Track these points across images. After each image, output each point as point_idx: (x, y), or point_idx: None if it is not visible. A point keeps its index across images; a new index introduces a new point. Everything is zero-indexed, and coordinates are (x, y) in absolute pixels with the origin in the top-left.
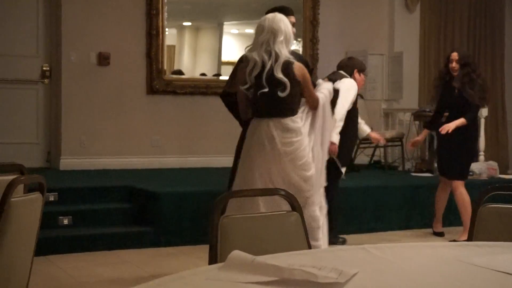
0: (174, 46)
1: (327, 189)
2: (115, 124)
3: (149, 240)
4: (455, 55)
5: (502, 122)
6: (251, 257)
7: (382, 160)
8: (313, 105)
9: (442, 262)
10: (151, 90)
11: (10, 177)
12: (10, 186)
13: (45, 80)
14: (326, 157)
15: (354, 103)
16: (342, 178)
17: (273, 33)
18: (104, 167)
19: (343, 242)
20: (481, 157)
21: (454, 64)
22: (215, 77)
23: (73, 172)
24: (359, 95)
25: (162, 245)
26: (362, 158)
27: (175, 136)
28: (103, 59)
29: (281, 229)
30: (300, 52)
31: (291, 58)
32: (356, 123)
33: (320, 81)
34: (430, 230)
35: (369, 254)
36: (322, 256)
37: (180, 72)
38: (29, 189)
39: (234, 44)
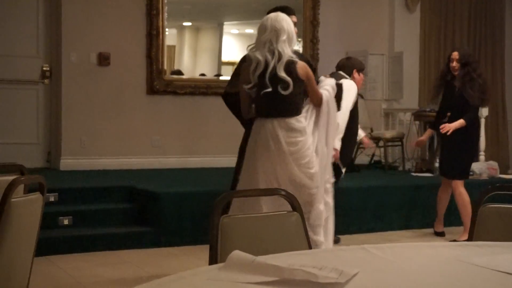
0: (174, 46)
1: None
2: (115, 125)
3: (149, 240)
4: (455, 55)
5: (502, 122)
6: (252, 257)
7: (383, 160)
8: (318, 103)
9: (443, 262)
10: (152, 90)
11: (11, 178)
12: (11, 186)
13: (45, 80)
14: (331, 154)
15: (355, 103)
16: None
17: (276, 32)
18: (104, 167)
19: (337, 241)
20: (482, 157)
21: (454, 64)
22: (216, 77)
23: (73, 173)
24: (359, 95)
25: (162, 245)
26: (362, 158)
27: (175, 136)
28: (103, 59)
29: (281, 229)
30: (301, 52)
31: (294, 57)
32: (357, 123)
33: (322, 77)
34: (430, 230)
35: (370, 254)
36: (323, 256)
37: (179, 72)
38: (29, 190)
39: (234, 44)
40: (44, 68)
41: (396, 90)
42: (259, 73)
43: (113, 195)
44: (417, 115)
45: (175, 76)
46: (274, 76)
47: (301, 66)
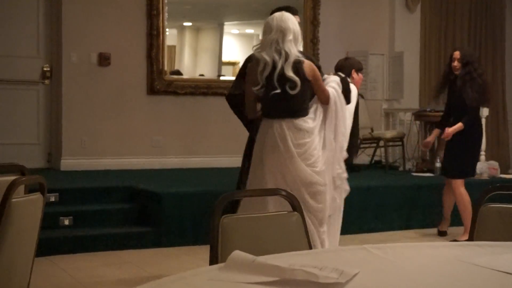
0: (174, 47)
1: None
2: (115, 125)
3: (150, 240)
4: (457, 54)
5: (503, 121)
6: (252, 258)
7: (383, 160)
8: (325, 101)
9: (443, 262)
10: (152, 90)
11: (11, 178)
12: (11, 186)
13: (46, 81)
14: (342, 149)
15: (356, 104)
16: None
17: (282, 32)
18: (105, 167)
19: None
20: (482, 157)
21: (456, 63)
22: (216, 78)
23: (74, 173)
24: (359, 95)
25: (163, 246)
26: (363, 158)
27: (176, 136)
28: (104, 60)
29: (282, 229)
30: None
31: (301, 57)
32: (357, 123)
33: (325, 76)
34: (431, 230)
35: (370, 254)
36: (323, 256)
37: (178, 73)
38: (30, 190)
39: (234, 44)
40: (45, 69)
41: (396, 90)
42: (267, 74)
43: (114, 195)
44: (418, 115)
45: (175, 76)
46: (282, 77)
47: (308, 65)
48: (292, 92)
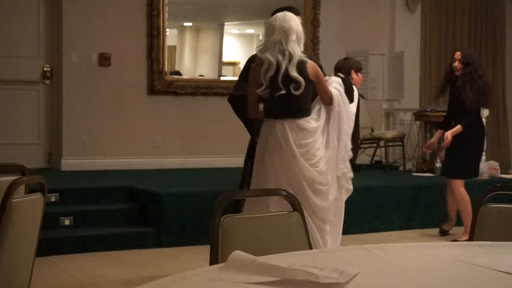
0: (175, 47)
1: None
2: (116, 125)
3: (150, 240)
4: (458, 55)
5: (503, 121)
6: (252, 258)
7: (383, 160)
8: (328, 102)
9: (443, 262)
10: (152, 90)
11: (11, 178)
12: (12, 187)
13: (46, 81)
14: (346, 148)
15: (357, 104)
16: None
17: (285, 32)
18: (105, 167)
19: None
20: (483, 157)
21: (456, 63)
22: (216, 78)
23: (74, 173)
24: (360, 95)
25: (163, 246)
26: (363, 158)
27: (176, 136)
28: (104, 60)
29: (282, 229)
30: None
31: (304, 57)
32: (358, 124)
33: (326, 77)
34: (431, 230)
35: (370, 254)
36: (323, 256)
37: (178, 74)
38: (30, 190)
39: (235, 44)
40: (45, 69)
41: (396, 90)
42: (271, 74)
43: (114, 195)
44: (418, 115)
45: (175, 77)
46: (286, 77)
47: (311, 66)
48: (296, 93)
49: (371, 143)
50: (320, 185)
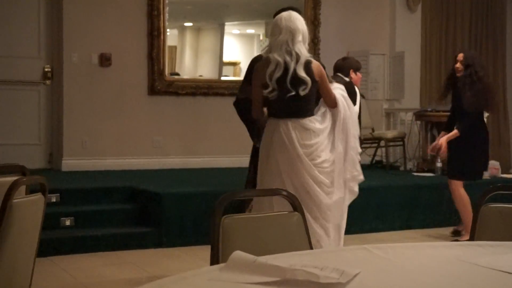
0: (175, 47)
1: None
2: (116, 125)
3: (151, 240)
4: (460, 56)
5: (504, 121)
6: (253, 258)
7: (384, 160)
8: (331, 103)
9: (444, 262)
10: (153, 90)
11: (12, 178)
12: (12, 187)
13: (47, 81)
14: (358, 150)
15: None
16: None
17: (292, 33)
18: (106, 168)
19: None
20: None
21: (458, 65)
22: (217, 78)
23: (75, 173)
24: (360, 95)
25: (164, 246)
26: (363, 157)
27: (176, 136)
28: (105, 60)
29: (282, 230)
30: None
31: (310, 57)
32: (359, 123)
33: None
34: (432, 230)
35: (371, 254)
36: (324, 257)
37: (176, 75)
38: (31, 190)
39: (235, 44)
40: (46, 69)
41: (397, 90)
42: (278, 75)
43: (115, 195)
44: (419, 115)
45: (176, 77)
46: (294, 78)
47: (316, 66)
48: (302, 93)
49: (372, 143)
50: (324, 185)
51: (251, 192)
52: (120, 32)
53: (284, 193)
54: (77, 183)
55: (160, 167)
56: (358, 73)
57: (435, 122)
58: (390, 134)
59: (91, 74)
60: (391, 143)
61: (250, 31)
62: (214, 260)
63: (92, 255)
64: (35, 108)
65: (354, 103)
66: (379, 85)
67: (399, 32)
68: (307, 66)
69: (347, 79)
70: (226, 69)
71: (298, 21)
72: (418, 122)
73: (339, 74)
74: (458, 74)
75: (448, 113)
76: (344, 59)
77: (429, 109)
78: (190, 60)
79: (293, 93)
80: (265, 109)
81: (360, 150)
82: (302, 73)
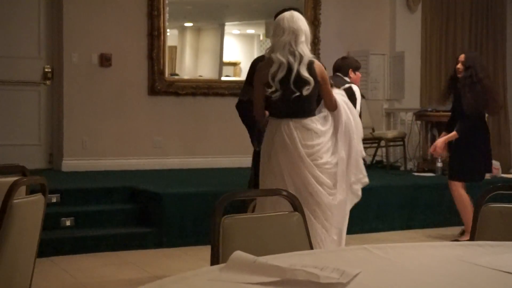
0: (175, 47)
1: None
2: (117, 125)
3: (151, 241)
4: (462, 57)
5: (504, 121)
6: (253, 258)
7: (384, 160)
8: (331, 106)
9: (444, 262)
10: (153, 91)
11: (12, 179)
12: (12, 187)
13: (47, 82)
14: (362, 153)
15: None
16: None
17: (295, 33)
18: (106, 168)
19: None
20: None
21: (459, 66)
22: (217, 78)
23: (75, 173)
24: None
25: (164, 246)
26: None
27: (177, 137)
28: (105, 60)
29: (282, 230)
30: None
31: (312, 57)
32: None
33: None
34: (432, 230)
35: (371, 254)
36: (324, 257)
37: (176, 76)
38: (31, 191)
39: (235, 44)
40: (46, 69)
41: (397, 90)
42: (281, 76)
43: (115, 195)
44: (419, 115)
45: (176, 77)
46: (297, 78)
47: (318, 66)
48: (306, 93)
49: (372, 143)
50: (326, 186)
51: (251, 192)
52: (120, 32)
53: (284, 193)
54: (77, 183)
55: (160, 167)
56: (357, 73)
57: (435, 122)
58: (390, 134)
59: (91, 74)
60: (392, 143)
61: (250, 31)
62: (214, 260)
63: (92, 255)
64: (35, 109)
65: (354, 106)
66: (379, 85)
67: (399, 32)
68: (310, 67)
69: (346, 78)
70: (226, 69)
71: (300, 21)
72: (418, 122)
73: (339, 74)
74: (459, 75)
75: (448, 113)
76: (343, 58)
77: (429, 109)
78: (190, 60)
79: (298, 94)
80: (266, 112)
81: (364, 154)
82: (305, 73)
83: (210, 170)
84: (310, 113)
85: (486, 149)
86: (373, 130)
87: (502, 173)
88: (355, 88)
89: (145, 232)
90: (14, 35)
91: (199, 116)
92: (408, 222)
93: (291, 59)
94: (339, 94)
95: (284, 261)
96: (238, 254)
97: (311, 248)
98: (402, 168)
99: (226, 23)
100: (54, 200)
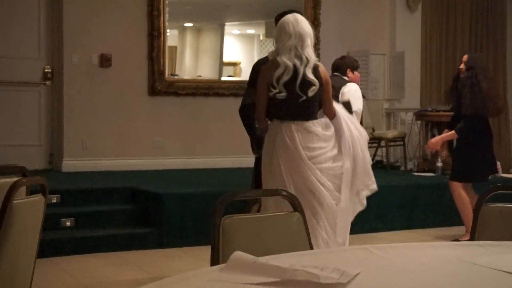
0: (175, 47)
1: None
2: (117, 126)
3: (151, 241)
4: (464, 57)
5: (504, 121)
6: (253, 258)
7: (384, 160)
8: (330, 113)
9: (445, 262)
10: (153, 91)
11: (12, 179)
12: (13, 188)
13: (47, 82)
14: (366, 163)
15: None
16: None
17: (301, 37)
18: (106, 168)
19: None
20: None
21: (462, 66)
22: (217, 78)
23: (76, 174)
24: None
25: (164, 246)
26: None
27: (177, 137)
28: (105, 61)
29: (282, 230)
30: None
31: (317, 61)
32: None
33: None
34: (432, 230)
35: (371, 254)
36: (324, 257)
37: (176, 76)
38: (31, 191)
39: (235, 44)
40: (46, 70)
41: (397, 90)
42: (287, 79)
43: (115, 196)
44: (419, 114)
45: (176, 77)
46: (303, 80)
47: (323, 70)
48: (311, 94)
49: (372, 143)
50: (327, 188)
51: (251, 192)
52: (120, 32)
53: (284, 193)
54: (78, 184)
55: (160, 168)
56: (355, 72)
57: (435, 122)
58: (390, 134)
59: (91, 74)
60: (392, 143)
61: (250, 31)
62: (214, 261)
63: (93, 256)
64: (35, 109)
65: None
66: (379, 85)
67: (399, 32)
68: (316, 70)
69: (345, 78)
70: (226, 69)
71: (305, 24)
72: (419, 122)
73: (337, 74)
74: (461, 75)
75: (448, 113)
76: (342, 58)
77: (429, 109)
78: (190, 60)
79: (304, 98)
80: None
81: (371, 162)
82: (311, 75)
83: (210, 170)
84: (312, 116)
85: (488, 150)
86: (373, 130)
87: (502, 173)
88: (356, 87)
89: (145, 233)
90: (14, 35)
91: (199, 116)
92: (408, 222)
93: (297, 62)
94: (338, 107)
95: (284, 261)
96: (238, 254)
97: (311, 248)
98: (402, 168)
99: (226, 23)
100: (54, 200)
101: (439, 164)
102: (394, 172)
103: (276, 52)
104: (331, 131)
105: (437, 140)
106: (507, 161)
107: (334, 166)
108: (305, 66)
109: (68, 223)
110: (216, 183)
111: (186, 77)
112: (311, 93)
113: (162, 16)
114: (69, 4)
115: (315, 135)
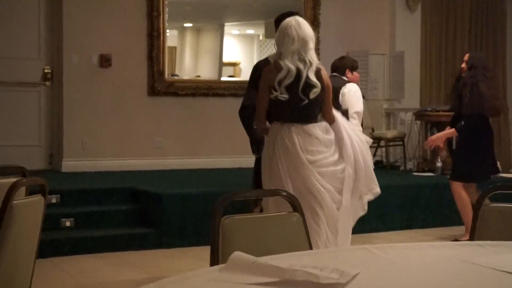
0: (175, 48)
1: None
2: (117, 126)
3: (151, 241)
4: (466, 57)
5: (504, 121)
6: (253, 258)
7: (384, 160)
8: (330, 117)
9: (444, 261)
10: (153, 91)
11: (12, 180)
12: (12, 188)
13: (47, 83)
14: (368, 167)
15: None
16: None
17: (304, 41)
18: (106, 169)
19: None
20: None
21: (463, 65)
22: (216, 78)
23: (75, 174)
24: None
25: (164, 247)
26: None
27: (177, 137)
28: (105, 61)
29: (282, 230)
30: None
31: (319, 64)
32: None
33: None
34: (432, 229)
35: (371, 254)
36: (324, 257)
37: (176, 76)
38: (31, 192)
39: (235, 45)
40: (46, 70)
41: (397, 90)
42: (289, 82)
43: (115, 196)
44: (419, 114)
45: (176, 77)
46: (305, 85)
47: (325, 74)
48: (312, 96)
49: (372, 143)
50: (328, 189)
51: (251, 192)
52: (120, 32)
53: (284, 193)
54: (77, 184)
55: (160, 168)
56: (354, 73)
57: (435, 122)
58: (390, 134)
59: (91, 75)
60: (391, 143)
61: (250, 31)
62: (214, 261)
63: (93, 256)
64: (35, 110)
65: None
66: (379, 85)
67: (399, 32)
68: (318, 73)
69: (344, 78)
70: (225, 70)
71: (307, 27)
72: (418, 122)
73: (336, 74)
74: (463, 74)
75: (448, 113)
76: (340, 58)
77: (429, 109)
78: (190, 60)
79: (306, 101)
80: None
81: (373, 167)
82: (313, 78)
83: (210, 171)
84: (312, 119)
85: (489, 150)
86: (373, 130)
87: (502, 173)
88: (356, 87)
89: (145, 233)
90: (14, 36)
91: (199, 116)
92: (408, 222)
93: (301, 66)
94: (337, 113)
95: (283, 261)
96: (238, 254)
97: (311, 248)
98: (402, 168)
99: (226, 24)
100: (54, 200)
101: (439, 164)
102: (394, 172)
103: (278, 56)
104: (332, 136)
105: (437, 136)
106: (507, 161)
107: (336, 169)
108: (308, 69)
109: (67, 224)
110: (216, 183)
111: (186, 77)
112: (312, 95)
113: (161, 16)
114: (69, 4)
115: (315, 138)
